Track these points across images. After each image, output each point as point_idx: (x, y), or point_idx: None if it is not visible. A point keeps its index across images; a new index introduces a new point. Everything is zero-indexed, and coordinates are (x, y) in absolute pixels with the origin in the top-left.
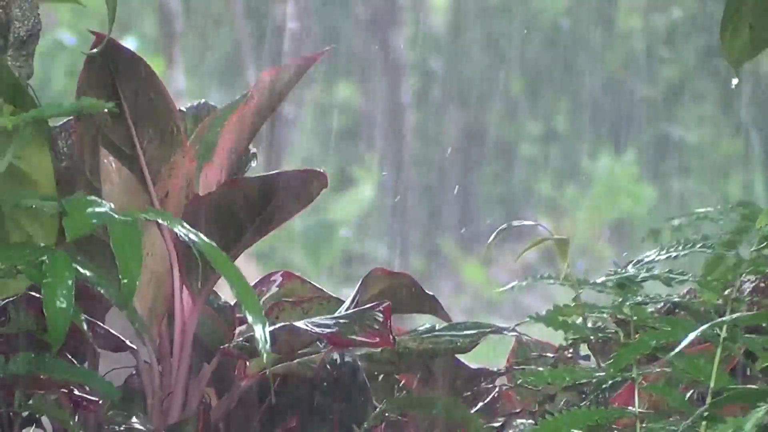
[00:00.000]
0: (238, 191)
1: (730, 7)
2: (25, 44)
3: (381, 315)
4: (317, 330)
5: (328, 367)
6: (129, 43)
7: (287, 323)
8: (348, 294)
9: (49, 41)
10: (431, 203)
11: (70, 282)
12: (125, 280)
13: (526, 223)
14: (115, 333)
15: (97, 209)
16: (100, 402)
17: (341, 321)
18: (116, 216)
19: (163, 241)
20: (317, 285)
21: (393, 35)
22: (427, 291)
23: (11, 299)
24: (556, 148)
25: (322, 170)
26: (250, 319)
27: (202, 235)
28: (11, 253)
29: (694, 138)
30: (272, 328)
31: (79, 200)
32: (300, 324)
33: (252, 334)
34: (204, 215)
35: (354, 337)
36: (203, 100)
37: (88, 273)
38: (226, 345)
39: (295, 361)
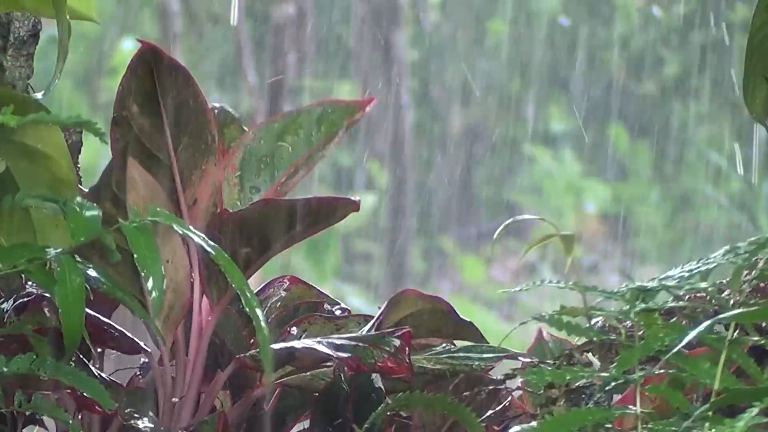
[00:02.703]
0: (270, 211)
1: (749, 62)
2: (25, 44)
3: (399, 341)
4: (337, 353)
5: (342, 380)
6: (129, 43)
7: (309, 345)
8: (350, 301)
9: (49, 41)
10: (431, 202)
11: (80, 287)
12: (154, 293)
13: (530, 217)
14: (130, 335)
15: (94, 212)
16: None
17: (360, 345)
18: (128, 224)
19: (184, 249)
20: (322, 290)
21: (393, 35)
22: (463, 317)
23: (12, 299)
24: (555, 147)
25: (357, 199)
26: (251, 314)
27: (213, 244)
28: (12, 253)
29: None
30: (292, 344)
31: (77, 204)
32: (320, 347)
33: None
34: (232, 228)
35: (374, 363)
36: (220, 105)
37: (102, 278)
38: (242, 355)
39: (308, 374)
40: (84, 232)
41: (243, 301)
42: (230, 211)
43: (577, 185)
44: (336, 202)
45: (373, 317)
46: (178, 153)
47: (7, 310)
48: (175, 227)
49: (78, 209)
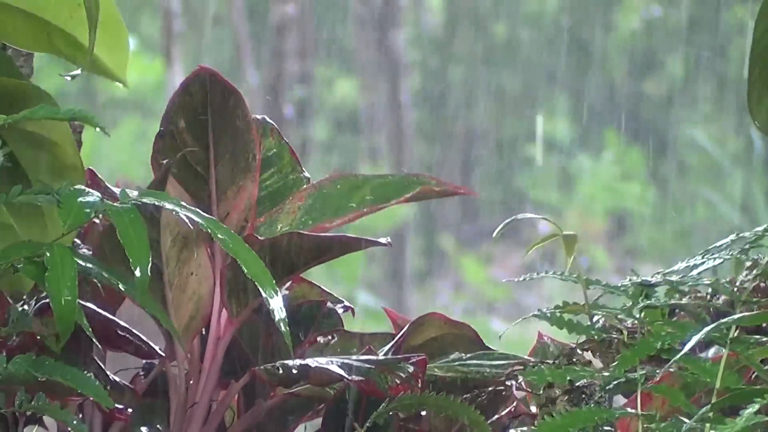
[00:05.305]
0: (298, 242)
1: (752, 73)
2: None
3: (413, 367)
4: (351, 376)
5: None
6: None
7: (323, 365)
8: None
9: None
10: (431, 201)
11: (72, 273)
12: (138, 272)
13: (532, 216)
14: (146, 339)
15: (90, 199)
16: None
17: (374, 368)
18: (115, 205)
19: (210, 264)
20: (326, 289)
21: (393, 35)
22: (489, 346)
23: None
24: (553, 147)
25: (387, 241)
26: (264, 295)
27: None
28: (10, 251)
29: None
30: (307, 362)
31: (72, 191)
32: (334, 368)
33: (283, 362)
34: (259, 250)
35: (387, 388)
36: (262, 116)
37: (91, 266)
38: (257, 367)
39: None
40: (74, 217)
41: (270, 304)
42: (259, 237)
43: (576, 185)
44: (364, 242)
45: (392, 334)
46: (217, 168)
47: (26, 312)
48: (179, 212)
49: (72, 195)
